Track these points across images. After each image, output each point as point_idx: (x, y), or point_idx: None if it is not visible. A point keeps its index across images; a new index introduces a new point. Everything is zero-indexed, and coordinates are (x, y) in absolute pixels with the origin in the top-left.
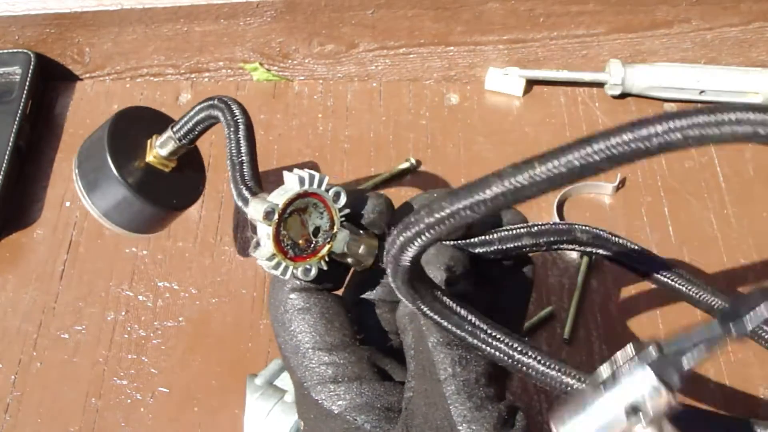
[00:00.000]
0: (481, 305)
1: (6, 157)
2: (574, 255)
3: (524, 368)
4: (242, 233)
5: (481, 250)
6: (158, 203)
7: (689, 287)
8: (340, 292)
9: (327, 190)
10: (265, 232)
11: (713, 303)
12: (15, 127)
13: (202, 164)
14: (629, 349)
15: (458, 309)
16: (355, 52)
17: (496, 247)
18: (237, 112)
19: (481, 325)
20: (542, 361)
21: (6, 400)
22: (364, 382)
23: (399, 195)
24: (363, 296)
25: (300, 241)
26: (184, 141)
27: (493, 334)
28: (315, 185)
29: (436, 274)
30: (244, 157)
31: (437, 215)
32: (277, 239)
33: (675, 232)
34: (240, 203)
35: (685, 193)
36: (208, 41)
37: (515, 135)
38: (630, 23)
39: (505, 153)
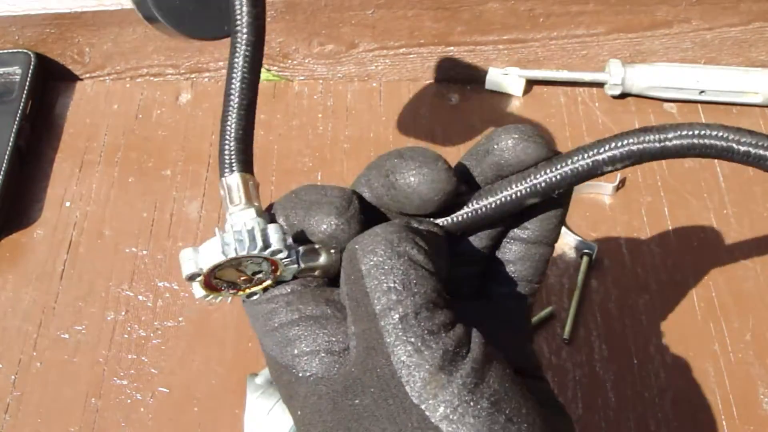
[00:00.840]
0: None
1: (6, 157)
2: (574, 255)
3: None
4: None
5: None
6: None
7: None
8: None
9: (273, 252)
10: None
11: None
12: (15, 127)
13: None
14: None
15: None
16: (355, 52)
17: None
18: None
19: None
20: None
21: (6, 400)
22: (320, 322)
23: None
24: None
25: (238, 281)
26: None
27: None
28: (252, 250)
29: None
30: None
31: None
32: (210, 285)
33: (675, 232)
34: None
35: (685, 193)
36: (208, 41)
37: None
38: (630, 23)
39: None
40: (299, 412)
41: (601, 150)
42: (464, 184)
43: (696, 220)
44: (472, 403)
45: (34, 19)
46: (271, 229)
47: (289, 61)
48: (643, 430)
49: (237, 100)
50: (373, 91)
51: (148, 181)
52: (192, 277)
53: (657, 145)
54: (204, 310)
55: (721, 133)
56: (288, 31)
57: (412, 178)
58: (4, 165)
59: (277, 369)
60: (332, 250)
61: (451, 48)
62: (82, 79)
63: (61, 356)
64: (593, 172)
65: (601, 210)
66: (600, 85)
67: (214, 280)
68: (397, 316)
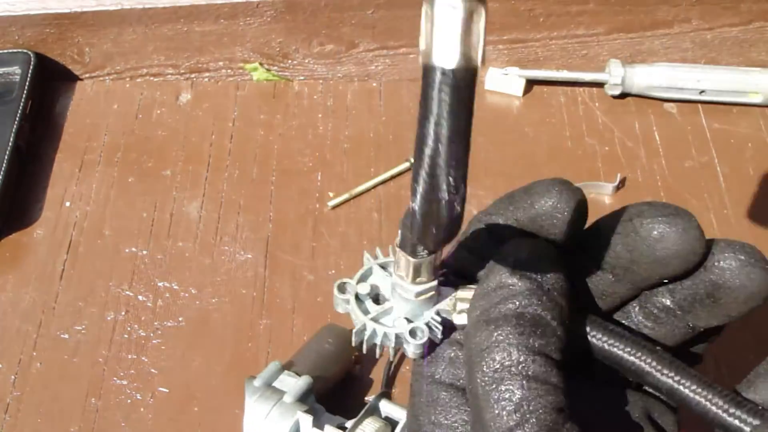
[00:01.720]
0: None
1: (6, 157)
2: None
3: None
4: None
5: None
6: None
7: None
8: None
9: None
10: None
11: None
12: (15, 127)
13: None
14: None
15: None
16: (355, 52)
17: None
18: None
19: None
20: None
21: (6, 400)
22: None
23: (399, 195)
24: None
25: None
26: None
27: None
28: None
29: None
30: None
31: None
32: None
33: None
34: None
35: (685, 193)
36: (208, 41)
37: (515, 135)
38: (630, 23)
39: (505, 153)
40: None
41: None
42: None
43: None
44: None
45: (34, 19)
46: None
47: (289, 61)
48: None
49: None
50: (373, 91)
51: (148, 181)
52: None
53: None
54: (204, 310)
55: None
56: (288, 31)
57: (661, 228)
58: (4, 165)
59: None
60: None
61: None
62: (82, 79)
63: (61, 356)
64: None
65: (601, 210)
66: (600, 85)
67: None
68: None
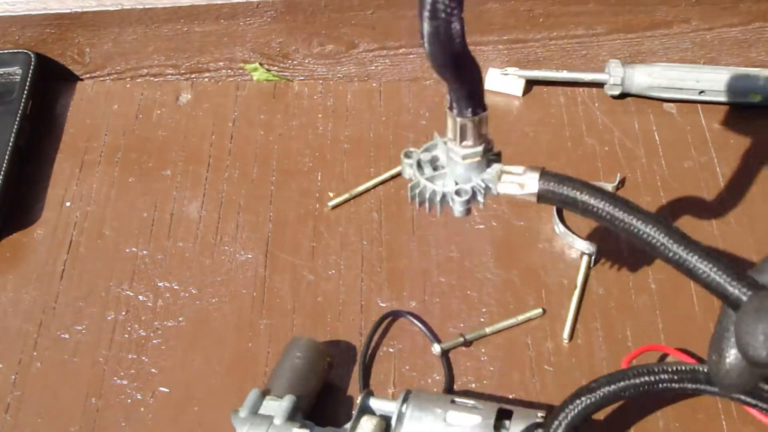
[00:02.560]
0: None
1: (6, 157)
2: (574, 255)
3: None
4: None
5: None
6: None
7: None
8: None
9: None
10: None
11: None
12: (15, 127)
13: None
14: None
15: None
16: (355, 52)
17: None
18: None
19: None
20: None
21: (6, 400)
22: None
23: (398, 195)
24: None
25: None
26: None
27: None
28: None
29: None
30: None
31: None
32: None
33: None
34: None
35: (685, 193)
36: (208, 41)
37: (515, 135)
38: (630, 23)
39: (505, 153)
40: None
41: None
42: None
43: (696, 220)
44: None
45: (34, 19)
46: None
47: (289, 61)
48: (643, 430)
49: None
50: (373, 91)
51: (148, 181)
52: None
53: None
54: (204, 310)
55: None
56: (288, 31)
57: None
58: (4, 165)
59: None
60: None
61: None
62: (82, 80)
63: (61, 356)
64: None
65: None
66: (600, 85)
67: None
68: None
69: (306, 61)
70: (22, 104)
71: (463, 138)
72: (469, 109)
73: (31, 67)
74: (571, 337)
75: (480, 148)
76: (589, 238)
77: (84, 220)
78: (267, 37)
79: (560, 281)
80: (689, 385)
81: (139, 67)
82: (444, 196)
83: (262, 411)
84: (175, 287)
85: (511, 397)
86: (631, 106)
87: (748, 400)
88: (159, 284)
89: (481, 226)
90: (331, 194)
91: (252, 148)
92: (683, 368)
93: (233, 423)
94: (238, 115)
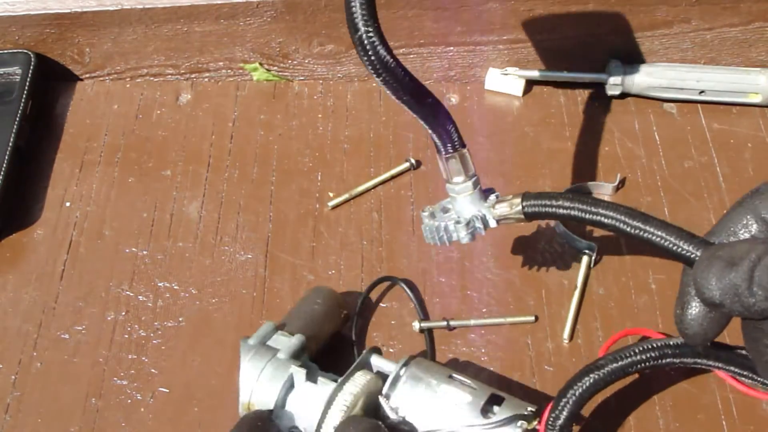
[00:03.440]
0: None
1: (6, 158)
2: (574, 255)
3: None
4: None
5: None
6: None
7: None
8: None
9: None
10: None
11: None
12: (15, 127)
13: None
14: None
15: None
16: (355, 52)
17: None
18: None
19: None
20: None
21: (6, 400)
22: None
23: (398, 195)
24: None
25: None
26: None
27: None
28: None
29: None
30: None
31: None
32: None
33: None
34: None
35: (685, 193)
36: (208, 41)
37: (515, 135)
38: (630, 23)
39: (505, 153)
40: None
41: None
42: None
43: (696, 220)
44: None
45: (34, 19)
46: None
47: (289, 62)
48: (644, 430)
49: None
50: (373, 91)
51: (148, 181)
52: None
53: None
54: (204, 310)
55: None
56: (288, 31)
57: None
58: (4, 165)
59: None
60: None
61: (451, 48)
62: (82, 79)
63: (61, 356)
64: None
65: None
66: (600, 85)
67: None
68: None
69: (306, 61)
70: (22, 104)
71: (453, 175)
72: (449, 146)
73: (31, 67)
74: (571, 337)
75: (470, 182)
76: (589, 238)
77: (84, 220)
78: (267, 37)
79: (560, 281)
80: (689, 359)
81: (139, 67)
82: (446, 227)
83: (270, 343)
84: (175, 287)
85: None
86: (631, 106)
87: (729, 368)
88: (159, 284)
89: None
90: (331, 194)
91: (252, 148)
92: (683, 342)
93: (241, 348)
94: (238, 115)
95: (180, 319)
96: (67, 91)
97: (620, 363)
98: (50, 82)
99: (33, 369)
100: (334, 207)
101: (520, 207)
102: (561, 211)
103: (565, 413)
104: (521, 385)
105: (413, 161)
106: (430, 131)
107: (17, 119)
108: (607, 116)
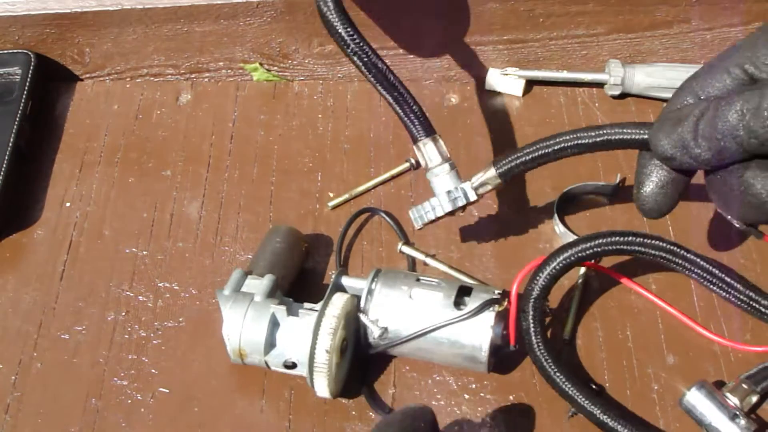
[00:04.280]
0: None
1: (6, 158)
2: None
3: None
4: None
5: None
6: None
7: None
8: None
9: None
10: None
11: None
12: (15, 127)
13: None
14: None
15: None
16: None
17: None
18: None
19: None
20: None
21: (6, 401)
22: None
23: (398, 195)
24: None
25: None
26: None
27: None
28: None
29: None
30: None
31: None
32: None
33: (675, 232)
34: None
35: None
36: (208, 41)
37: (515, 135)
38: (630, 23)
39: (505, 153)
40: None
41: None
42: None
43: (696, 220)
44: None
45: (34, 19)
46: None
47: (289, 62)
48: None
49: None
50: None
51: (148, 181)
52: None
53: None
54: (205, 311)
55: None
56: (288, 32)
57: None
58: (4, 165)
59: None
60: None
61: (451, 48)
62: (82, 80)
63: (61, 357)
64: None
65: (601, 210)
66: (600, 85)
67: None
68: None
69: (306, 61)
70: (22, 104)
71: (430, 160)
72: (422, 133)
73: (31, 67)
74: (572, 336)
75: (447, 164)
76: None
77: (84, 220)
78: (267, 37)
79: (560, 281)
80: (654, 252)
81: (139, 67)
82: (430, 203)
83: (244, 289)
84: (176, 287)
85: (511, 397)
86: (631, 106)
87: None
88: (159, 284)
89: (482, 227)
90: (331, 194)
91: (252, 148)
92: (652, 237)
93: (218, 299)
94: (238, 115)
95: (180, 319)
96: (67, 91)
97: (590, 243)
98: (50, 82)
99: (33, 369)
100: (334, 207)
101: (492, 169)
102: (528, 157)
103: (538, 286)
104: (522, 385)
105: (413, 161)
106: (404, 120)
107: (17, 119)
108: (607, 116)
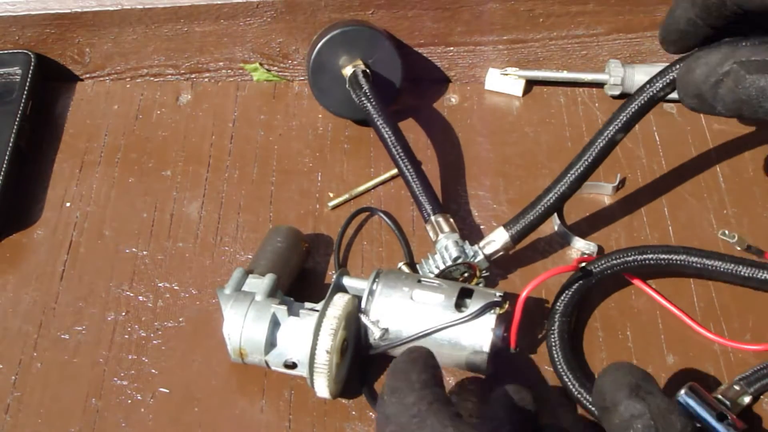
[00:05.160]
0: None
1: (6, 158)
2: (574, 255)
3: None
4: None
5: None
6: None
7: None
8: None
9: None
10: None
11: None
12: (15, 127)
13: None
14: None
15: None
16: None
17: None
18: None
19: None
20: None
21: (6, 401)
22: None
23: (398, 195)
24: None
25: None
26: None
27: None
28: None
29: None
30: None
31: None
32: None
33: (675, 232)
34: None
35: (684, 194)
36: (208, 41)
37: (515, 135)
38: (630, 23)
39: (505, 153)
40: None
41: None
42: None
43: (696, 220)
44: None
45: (34, 19)
46: (468, 245)
47: (290, 62)
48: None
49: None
50: None
51: (149, 181)
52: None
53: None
54: (205, 311)
55: None
56: (288, 32)
57: None
58: (4, 165)
59: None
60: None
61: (451, 48)
62: (82, 80)
63: (61, 357)
64: None
65: (601, 210)
66: (600, 85)
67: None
68: None
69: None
70: (22, 104)
71: (441, 231)
72: (431, 209)
73: (31, 67)
74: (572, 337)
75: (457, 233)
76: (589, 238)
77: (84, 220)
78: (267, 37)
79: (560, 281)
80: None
81: (139, 67)
82: (439, 252)
83: (245, 288)
84: (176, 288)
85: None
86: None
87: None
88: (159, 285)
89: (482, 227)
90: (331, 194)
91: (252, 148)
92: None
93: (219, 298)
94: (238, 115)
95: (180, 319)
96: (67, 91)
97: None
98: (50, 82)
99: (33, 369)
100: (335, 207)
101: (506, 236)
102: (539, 215)
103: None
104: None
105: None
106: (418, 199)
107: (17, 119)
108: (607, 116)
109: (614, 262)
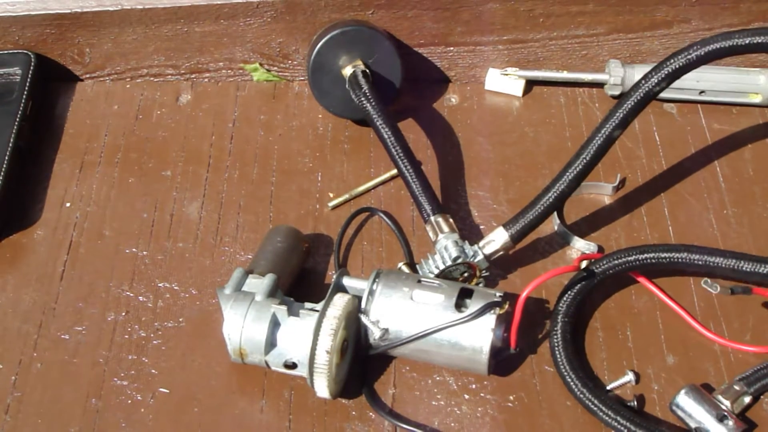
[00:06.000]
0: None
1: (6, 158)
2: (574, 255)
3: None
4: None
5: None
6: None
7: None
8: None
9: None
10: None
11: None
12: (15, 127)
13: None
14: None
15: None
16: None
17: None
18: None
19: None
20: None
21: (6, 401)
22: None
23: (398, 195)
24: None
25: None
26: None
27: None
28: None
29: None
30: None
31: None
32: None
33: (675, 232)
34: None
35: (685, 193)
36: (208, 41)
37: (515, 135)
38: (630, 23)
39: (505, 153)
40: None
41: None
42: None
43: (696, 220)
44: None
45: (34, 19)
46: (467, 245)
47: (290, 62)
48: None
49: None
50: None
51: (148, 181)
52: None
53: None
54: (204, 311)
55: None
56: (288, 32)
57: None
58: (4, 165)
59: None
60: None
61: (451, 48)
62: (82, 80)
63: (61, 357)
64: None
65: (601, 210)
66: (600, 85)
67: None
68: None
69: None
70: (22, 104)
71: (440, 231)
72: (431, 210)
73: (31, 68)
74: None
75: (456, 233)
76: (589, 238)
77: (84, 220)
78: (267, 37)
79: (560, 281)
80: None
81: (139, 68)
82: (439, 252)
83: (245, 288)
84: (176, 288)
85: (511, 397)
86: None
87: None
88: (159, 285)
89: (482, 227)
90: (331, 194)
91: (252, 148)
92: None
93: (219, 298)
94: (238, 115)
95: (180, 319)
96: (67, 92)
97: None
98: (50, 82)
99: (33, 369)
100: (335, 207)
101: (506, 236)
102: (539, 215)
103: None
104: (522, 385)
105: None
106: (418, 199)
107: (17, 119)
108: None
109: (616, 262)
